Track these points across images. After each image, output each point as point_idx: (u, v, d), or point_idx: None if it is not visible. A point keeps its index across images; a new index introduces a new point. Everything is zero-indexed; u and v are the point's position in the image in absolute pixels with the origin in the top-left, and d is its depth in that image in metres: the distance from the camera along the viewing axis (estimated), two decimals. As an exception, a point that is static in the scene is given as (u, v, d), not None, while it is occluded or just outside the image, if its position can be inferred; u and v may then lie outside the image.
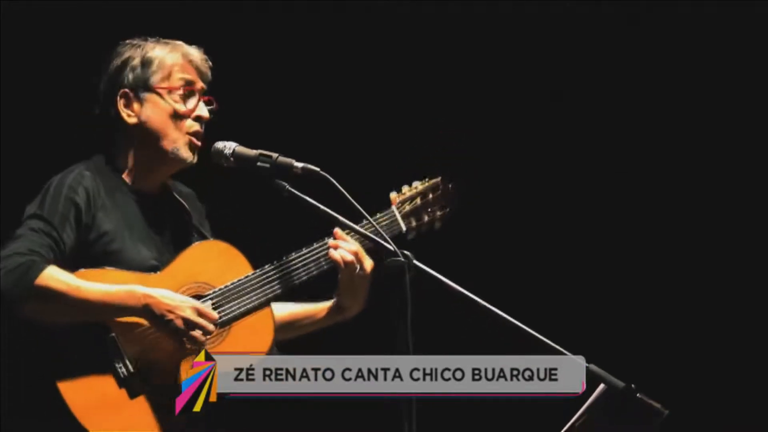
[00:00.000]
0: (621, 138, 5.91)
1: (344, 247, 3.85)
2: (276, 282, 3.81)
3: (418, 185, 4.06)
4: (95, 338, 3.61)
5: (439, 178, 4.09)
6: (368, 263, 3.86)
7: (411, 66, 5.82)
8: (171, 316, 3.61)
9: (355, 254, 3.85)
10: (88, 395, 3.56)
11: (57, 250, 3.61)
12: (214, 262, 3.79)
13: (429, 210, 4.06)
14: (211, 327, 3.65)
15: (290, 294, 3.87)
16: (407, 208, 4.03)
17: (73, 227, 3.66)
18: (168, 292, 3.64)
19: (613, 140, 5.91)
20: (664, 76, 5.88)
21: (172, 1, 5.39)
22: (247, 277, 3.79)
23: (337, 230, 3.84)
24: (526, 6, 5.81)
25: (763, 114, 5.87)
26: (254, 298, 3.79)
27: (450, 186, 4.10)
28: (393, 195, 4.04)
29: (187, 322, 3.61)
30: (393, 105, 5.81)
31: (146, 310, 3.60)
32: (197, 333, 3.63)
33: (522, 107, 5.93)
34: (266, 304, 3.80)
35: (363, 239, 3.80)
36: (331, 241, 3.86)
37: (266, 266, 3.83)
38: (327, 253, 3.85)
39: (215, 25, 5.46)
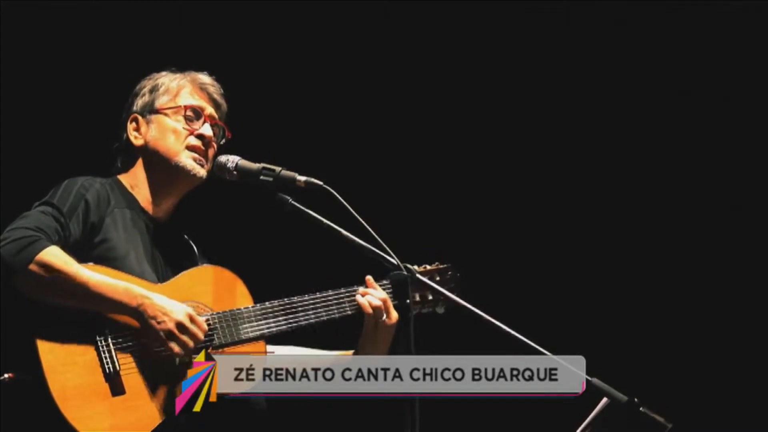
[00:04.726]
0: (622, 141, 5.91)
1: (373, 294, 3.88)
2: (282, 318, 3.81)
3: (427, 266, 4.06)
4: (87, 330, 3.57)
5: (449, 264, 4.08)
6: (393, 314, 3.87)
7: (413, 74, 5.81)
8: (164, 318, 3.59)
9: (383, 301, 3.87)
10: (71, 382, 3.52)
11: (62, 236, 3.61)
12: (217, 288, 3.78)
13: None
14: (200, 335, 3.63)
15: (294, 333, 3.84)
16: None
17: (80, 221, 3.66)
18: (164, 297, 3.62)
19: (615, 143, 5.91)
20: (664, 77, 5.88)
21: (174, 2, 5.40)
22: (247, 308, 3.79)
23: (369, 278, 3.89)
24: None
25: (761, 115, 5.87)
26: (252, 329, 3.77)
27: (458, 274, 4.09)
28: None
29: (179, 325, 3.60)
30: (395, 114, 5.81)
31: (140, 310, 3.58)
32: (186, 338, 3.61)
33: (520, 107, 5.92)
34: (262, 338, 3.78)
35: (366, 253, 3.78)
36: (361, 289, 3.88)
37: (269, 303, 3.82)
38: (353, 299, 3.87)
39: (217, 36, 5.48)
